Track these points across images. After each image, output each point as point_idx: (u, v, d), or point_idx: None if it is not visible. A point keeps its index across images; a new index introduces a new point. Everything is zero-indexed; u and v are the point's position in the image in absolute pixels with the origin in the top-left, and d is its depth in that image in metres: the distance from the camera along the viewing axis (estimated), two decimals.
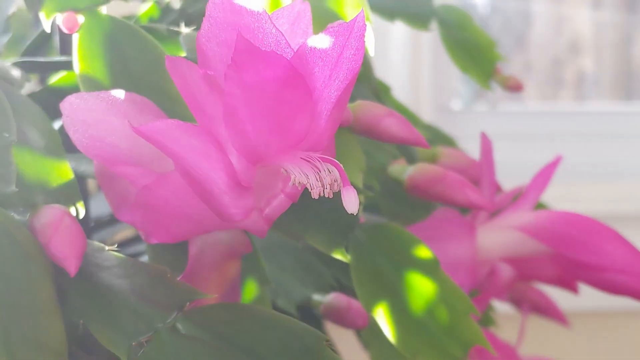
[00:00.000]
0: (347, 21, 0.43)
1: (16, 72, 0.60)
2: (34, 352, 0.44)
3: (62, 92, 0.65)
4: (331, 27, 0.42)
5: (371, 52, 0.59)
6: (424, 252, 0.55)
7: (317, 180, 0.43)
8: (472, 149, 1.66)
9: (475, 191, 0.62)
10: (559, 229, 0.64)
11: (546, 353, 1.16)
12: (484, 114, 1.68)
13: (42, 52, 0.73)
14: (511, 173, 1.57)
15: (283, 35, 0.43)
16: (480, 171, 0.68)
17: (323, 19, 0.58)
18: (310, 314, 0.66)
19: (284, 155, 0.44)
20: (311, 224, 0.53)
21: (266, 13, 0.43)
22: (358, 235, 0.54)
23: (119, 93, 0.47)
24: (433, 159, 0.73)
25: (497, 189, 0.73)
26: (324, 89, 0.43)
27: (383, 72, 1.48)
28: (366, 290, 0.53)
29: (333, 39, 0.42)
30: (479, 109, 1.71)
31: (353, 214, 0.45)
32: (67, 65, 0.58)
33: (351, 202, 0.42)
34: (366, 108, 0.57)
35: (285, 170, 0.44)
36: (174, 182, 0.46)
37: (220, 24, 0.43)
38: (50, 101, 0.65)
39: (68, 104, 0.47)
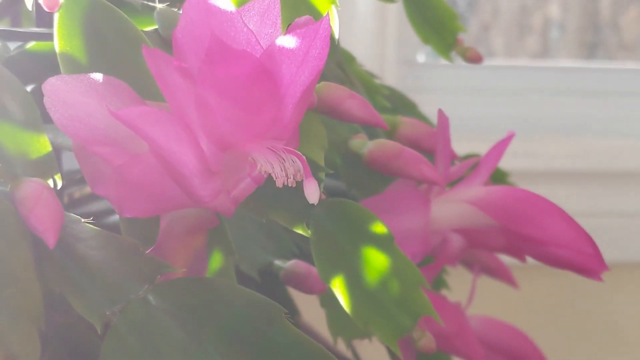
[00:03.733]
0: (315, 21, 0.47)
1: None
2: (12, 317, 0.47)
3: (39, 56, 0.68)
4: (299, 29, 0.45)
5: (336, 35, 0.62)
6: (379, 227, 0.59)
7: (281, 170, 0.46)
8: (437, 101, 1.68)
9: (429, 167, 0.66)
10: (507, 204, 0.68)
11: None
12: (449, 66, 1.70)
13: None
14: (474, 126, 1.61)
15: (253, 33, 0.46)
16: (436, 145, 0.72)
17: (294, 2, 0.61)
18: (275, 279, 0.69)
19: (251, 144, 0.47)
20: (275, 201, 0.56)
21: (238, 13, 0.46)
22: (318, 211, 0.58)
23: (98, 76, 0.50)
24: (394, 129, 0.76)
25: (454, 157, 0.77)
26: (290, 85, 0.46)
27: (349, 27, 1.50)
28: (324, 264, 0.57)
29: (300, 40, 0.45)
30: (443, 62, 1.73)
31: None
32: (47, 37, 0.61)
33: (312, 194, 0.46)
34: (330, 90, 0.60)
35: (253, 158, 0.47)
36: (147, 163, 0.49)
37: (195, 22, 0.46)
38: (27, 65, 0.68)
39: (49, 85, 0.49)
